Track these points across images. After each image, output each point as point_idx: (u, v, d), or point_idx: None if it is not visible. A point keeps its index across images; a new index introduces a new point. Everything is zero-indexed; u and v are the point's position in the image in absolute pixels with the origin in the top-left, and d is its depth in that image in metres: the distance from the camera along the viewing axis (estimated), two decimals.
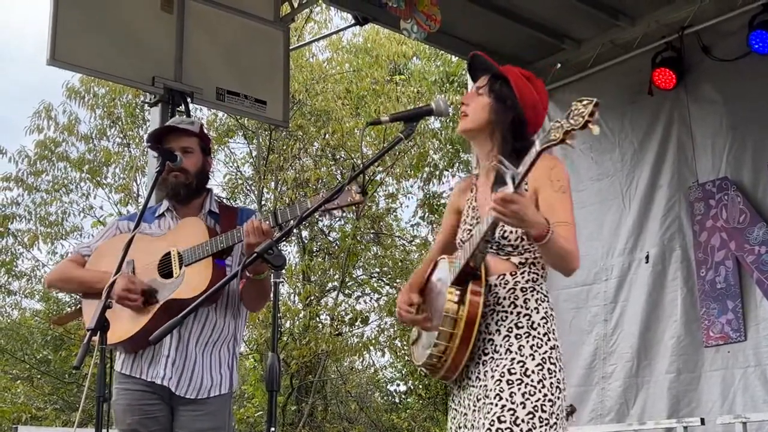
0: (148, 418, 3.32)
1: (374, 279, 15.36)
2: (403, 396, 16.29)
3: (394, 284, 14.87)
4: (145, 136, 4.12)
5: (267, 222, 3.13)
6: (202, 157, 3.54)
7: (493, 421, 2.53)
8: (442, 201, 14.82)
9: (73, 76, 13.09)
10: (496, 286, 2.70)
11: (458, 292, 2.62)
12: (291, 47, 6.75)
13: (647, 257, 6.42)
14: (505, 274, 2.70)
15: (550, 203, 2.66)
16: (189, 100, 5.58)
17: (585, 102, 2.32)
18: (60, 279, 3.65)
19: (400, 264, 14.55)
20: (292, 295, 14.48)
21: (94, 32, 5.26)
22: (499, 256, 2.72)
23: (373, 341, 14.34)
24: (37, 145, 13.98)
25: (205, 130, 3.73)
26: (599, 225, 6.71)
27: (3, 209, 14.31)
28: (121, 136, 14.45)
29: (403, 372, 15.82)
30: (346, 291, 14.99)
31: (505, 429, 2.51)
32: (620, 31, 6.64)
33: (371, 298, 15.28)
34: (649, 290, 6.35)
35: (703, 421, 5.58)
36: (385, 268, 15.04)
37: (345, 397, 15.71)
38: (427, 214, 15.16)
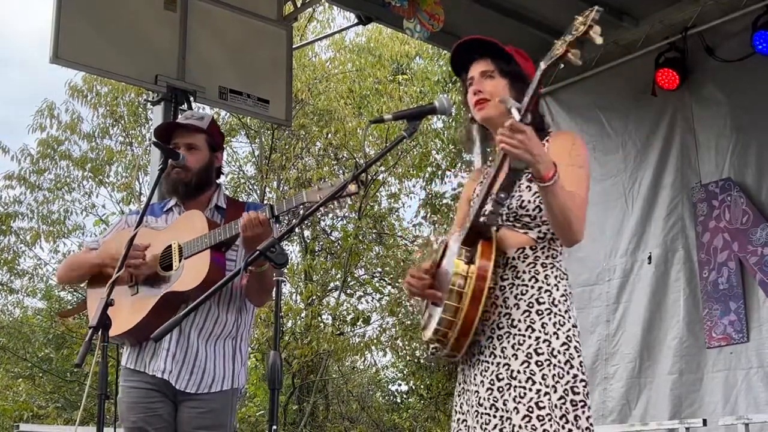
0: (153, 415, 3.32)
1: (376, 279, 15.36)
2: (405, 396, 16.29)
3: (396, 284, 14.87)
4: (151, 131, 4.09)
5: (263, 214, 3.13)
6: (209, 154, 3.53)
7: (531, 407, 2.43)
8: (445, 201, 14.82)
9: (76, 75, 13.12)
10: (514, 259, 2.60)
11: (466, 261, 2.50)
12: (294, 46, 6.76)
13: (650, 258, 6.41)
14: (524, 248, 2.61)
15: (565, 174, 2.53)
16: (192, 98, 5.57)
17: (586, 12, 2.31)
18: (69, 267, 3.63)
19: (402, 264, 14.52)
20: (294, 294, 14.49)
21: (97, 30, 5.25)
22: (515, 228, 2.62)
23: (375, 341, 14.32)
24: (40, 144, 14.00)
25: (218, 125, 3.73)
26: (602, 225, 6.70)
27: (5, 207, 14.34)
28: (124, 134, 14.46)
29: (405, 372, 15.82)
30: (348, 291, 14.99)
31: (546, 415, 2.42)
32: (624, 32, 6.63)
33: (373, 297, 15.29)
34: (652, 291, 6.34)
35: (705, 422, 5.57)
36: (387, 268, 15.03)
37: (346, 397, 15.71)
38: (429, 214, 15.15)
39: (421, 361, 14.53)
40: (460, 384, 2.72)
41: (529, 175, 2.58)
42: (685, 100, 6.42)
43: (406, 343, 14.54)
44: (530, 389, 2.46)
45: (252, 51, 6.00)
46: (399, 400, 16.44)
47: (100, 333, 2.87)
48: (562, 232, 2.56)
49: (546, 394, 2.44)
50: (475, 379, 2.60)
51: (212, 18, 5.81)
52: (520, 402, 2.45)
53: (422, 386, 15.01)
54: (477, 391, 2.58)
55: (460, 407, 2.69)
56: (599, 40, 2.29)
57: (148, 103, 5.77)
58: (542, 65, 2.37)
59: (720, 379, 5.90)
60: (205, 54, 5.71)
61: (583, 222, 2.53)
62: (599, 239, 6.69)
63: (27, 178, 14.16)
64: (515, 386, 2.48)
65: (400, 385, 16.60)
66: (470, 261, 2.50)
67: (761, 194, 5.96)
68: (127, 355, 3.43)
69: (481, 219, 2.54)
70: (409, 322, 14.23)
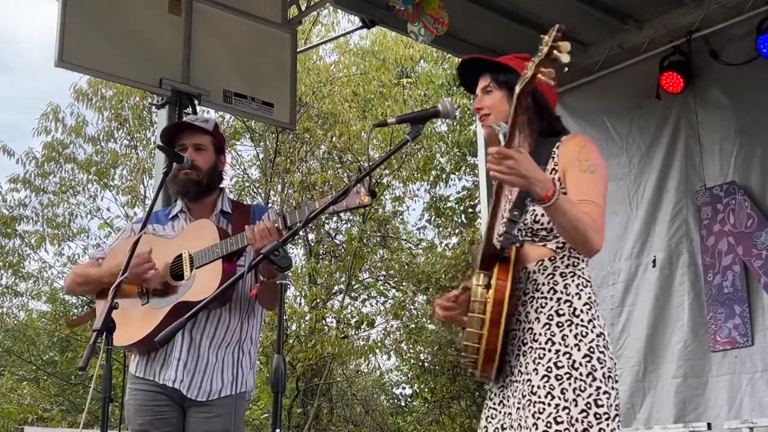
0: (159, 419, 3.32)
1: (380, 282, 15.35)
2: (409, 399, 16.26)
3: (401, 287, 14.87)
4: (158, 133, 4.07)
5: (276, 224, 3.13)
6: (215, 156, 3.54)
7: (549, 422, 2.38)
8: (449, 204, 14.82)
9: (81, 78, 13.15)
10: (534, 272, 2.57)
11: (485, 277, 2.49)
12: (298, 50, 6.76)
13: (654, 261, 6.40)
14: (543, 260, 2.57)
15: (576, 182, 2.54)
16: (196, 102, 5.59)
17: (549, 32, 2.33)
18: (74, 281, 3.62)
19: (406, 267, 14.53)
20: (298, 297, 14.49)
21: (102, 34, 5.26)
22: (534, 243, 2.60)
23: (379, 344, 14.33)
24: (45, 147, 14.03)
25: (220, 129, 3.74)
26: (606, 229, 6.67)
27: (10, 210, 14.36)
28: (129, 138, 14.48)
29: (409, 375, 15.80)
30: (352, 294, 14.98)
31: (564, 430, 2.36)
32: (628, 35, 6.63)
33: (377, 301, 15.28)
34: (656, 295, 6.33)
35: (709, 426, 5.56)
36: (392, 271, 15.02)
37: (350, 400, 15.70)
38: (433, 217, 15.15)
39: (426, 364, 14.51)
40: (492, 400, 2.66)
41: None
42: (690, 104, 6.41)
43: (411, 346, 14.54)
44: (549, 404, 2.40)
45: (256, 54, 6.00)
46: (403, 404, 16.42)
47: (104, 336, 2.87)
48: (577, 245, 2.54)
49: (565, 408, 2.38)
50: (508, 400, 2.57)
51: (216, 21, 5.82)
52: (539, 418, 2.40)
53: (426, 390, 14.98)
54: (510, 413, 2.55)
55: (486, 423, 2.65)
56: (566, 59, 2.30)
57: (153, 107, 5.78)
58: (516, 89, 2.38)
59: (724, 382, 5.89)
60: (209, 57, 5.72)
61: (600, 230, 2.50)
62: (603, 243, 6.67)
63: (32, 181, 14.19)
64: (535, 402, 2.43)
65: (404, 388, 16.58)
66: (488, 285, 2.49)
67: (766, 198, 5.95)
68: (136, 364, 3.43)
69: (495, 241, 2.54)
70: (413, 326, 14.22)
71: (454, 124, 13.77)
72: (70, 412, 14.42)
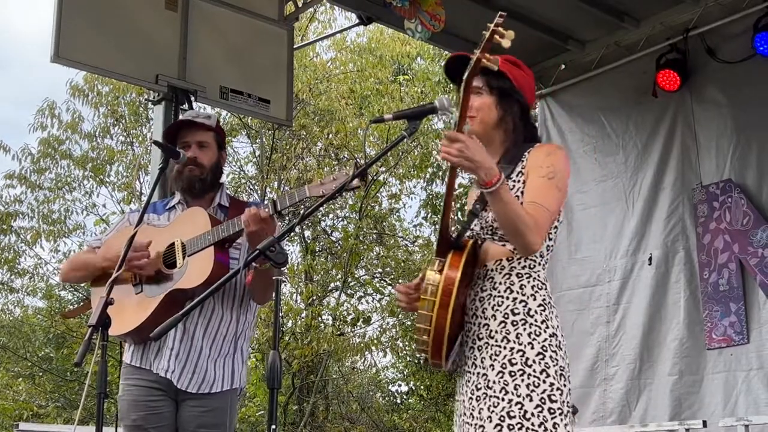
0: (153, 414, 3.32)
1: (377, 279, 15.35)
2: (405, 396, 16.29)
3: (397, 284, 14.84)
4: (154, 129, 4.02)
5: (266, 209, 3.13)
6: (218, 152, 3.55)
7: (503, 416, 2.50)
8: None
9: (77, 74, 13.12)
10: (492, 270, 2.67)
11: (440, 263, 2.58)
12: (295, 46, 6.76)
13: (650, 259, 6.41)
14: (501, 260, 2.66)
15: (531, 185, 2.64)
16: (193, 98, 5.58)
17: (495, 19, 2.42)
18: (72, 267, 3.63)
19: (402, 264, 14.54)
20: (294, 294, 14.48)
21: (99, 30, 5.26)
22: (495, 241, 2.69)
23: (375, 341, 14.32)
24: (41, 143, 13.99)
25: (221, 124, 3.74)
26: (602, 226, 6.70)
27: (6, 207, 14.33)
28: (125, 134, 14.46)
29: (405, 372, 15.82)
30: (349, 291, 14.98)
31: (516, 424, 2.47)
32: (625, 33, 6.64)
33: (373, 298, 15.28)
34: (652, 292, 6.34)
35: (705, 424, 5.57)
36: (388, 269, 15.02)
37: (346, 397, 15.71)
38: (430, 214, 15.15)
39: (421, 361, 14.51)
40: (457, 390, 2.76)
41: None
42: (686, 102, 6.42)
43: (407, 343, 14.54)
44: (503, 399, 2.52)
45: (253, 51, 6.00)
46: (399, 401, 16.44)
47: (99, 332, 2.87)
48: (511, 239, 2.61)
49: (518, 403, 2.50)
50: (462, 389, 2.68)
51: (213, 18, 5.81)
52: (493, 411, 2.53)
53: (422, 387, 15.01)
54: (463, 401, 2.66)
55: (456, 417, 2.76)
56: (507, 44, 2.41)
57: (149, 103, 5.77)
58: (465, 77, 2.48)
59: (720, 380, 5.90)
60: (206, 54, 5.72)
61: (539, 231, 2.55)
62: (600, 240, 6.69)
63: (28, 178, 14.16)
64: (490, 396, 2.55)
65: (400, 385, 16.61)
66: (441, 270, 2.57)
67: (762, 195, 5.96)
68: (131, 353, 3.42)
69: (452, 229, 2.65)
70: (409, 323, 14.20)
71: (451, 121, 13.75)
72: (65, 409, 14.40)
